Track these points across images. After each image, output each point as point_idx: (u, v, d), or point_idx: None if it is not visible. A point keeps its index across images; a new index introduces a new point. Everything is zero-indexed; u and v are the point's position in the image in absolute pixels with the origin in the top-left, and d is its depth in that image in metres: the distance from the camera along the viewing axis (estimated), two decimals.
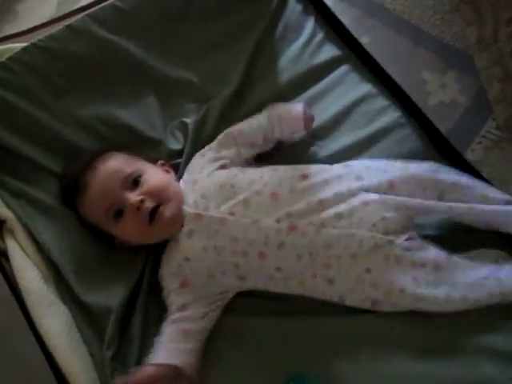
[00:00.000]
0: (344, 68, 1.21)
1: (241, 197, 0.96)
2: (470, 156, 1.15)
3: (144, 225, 0.94)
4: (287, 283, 0.94)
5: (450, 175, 0.98)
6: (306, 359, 0.90)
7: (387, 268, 0.90)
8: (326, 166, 1.03)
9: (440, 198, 0.95)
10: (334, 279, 0.91)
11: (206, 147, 1.08)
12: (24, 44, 1.13)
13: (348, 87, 1.19)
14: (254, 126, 1.08)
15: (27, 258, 0.99)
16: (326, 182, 0.97)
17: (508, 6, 1.28)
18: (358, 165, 1.02)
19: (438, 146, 1.10)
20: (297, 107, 1.08)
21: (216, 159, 1.05)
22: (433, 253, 0.92)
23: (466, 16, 1.32)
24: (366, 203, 0.94)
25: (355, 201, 0.94)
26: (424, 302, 0.89)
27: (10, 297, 0.94)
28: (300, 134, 1.08)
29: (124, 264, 1.02)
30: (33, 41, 1.13)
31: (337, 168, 1.01)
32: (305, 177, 0.98)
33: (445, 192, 0.96)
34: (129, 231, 0.96)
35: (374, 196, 0.94)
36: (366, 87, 1.18)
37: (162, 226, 0.95)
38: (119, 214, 0.95)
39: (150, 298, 1.00)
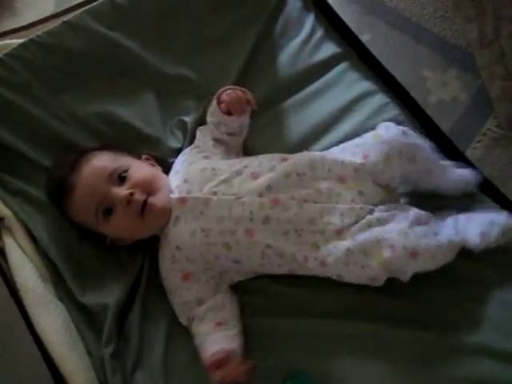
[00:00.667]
0: (343, 65, 1.21)
1: (222, 177, 0.96)
2: (471, 154, 1.15)
3: (136, 218, 0.93)
4: (282, 261, 0.93)
5: (417, 139, 0.99)
6: (304, 359, 0.90)
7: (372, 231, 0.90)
8: (306, 152, 1.04)
9: (412, 161, 0.96)
10: (325, 261, 0.90)
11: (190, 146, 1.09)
12: (22, 40, 1.12)
13: (347, 85, 1.18)
14: (206, 127, 1.09)
15: (24, 256, 0.98)
16: (304, 157, 0.99)
17: (511, 3, 1.27)
18: (335, 148, 1.04)
19: (438, 144, 1.09)
20: (213, 101, 1.06)
21: (198, 152, 1.06)
22: (412, 210, 0.94)
23: (467, 13, 1.32)
24: (342, 179, 0.95)
25: (332, 176, 0.96)
26: (418, 257, 0.87)
27: (7, 295, 0.94)
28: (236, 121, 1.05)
29: (122, 263, 1.02)
30: (30, 37, 1.12)
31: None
32: (285, 160, 0.99)
33: (415, 155, 0.97)
34: (121, 227, 0.95)
35: (350, 172, 0.96)
36: (365, 85, 1.17)
37: (153, 217, 0.94)
38: (108, 212, 0.94)
39: (148, 296, 0.99)
